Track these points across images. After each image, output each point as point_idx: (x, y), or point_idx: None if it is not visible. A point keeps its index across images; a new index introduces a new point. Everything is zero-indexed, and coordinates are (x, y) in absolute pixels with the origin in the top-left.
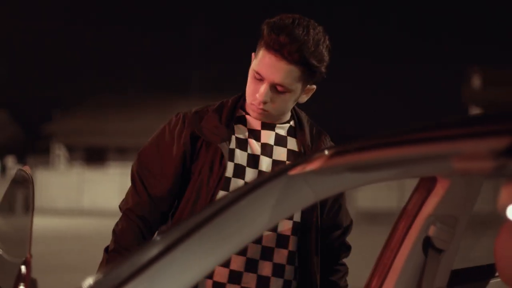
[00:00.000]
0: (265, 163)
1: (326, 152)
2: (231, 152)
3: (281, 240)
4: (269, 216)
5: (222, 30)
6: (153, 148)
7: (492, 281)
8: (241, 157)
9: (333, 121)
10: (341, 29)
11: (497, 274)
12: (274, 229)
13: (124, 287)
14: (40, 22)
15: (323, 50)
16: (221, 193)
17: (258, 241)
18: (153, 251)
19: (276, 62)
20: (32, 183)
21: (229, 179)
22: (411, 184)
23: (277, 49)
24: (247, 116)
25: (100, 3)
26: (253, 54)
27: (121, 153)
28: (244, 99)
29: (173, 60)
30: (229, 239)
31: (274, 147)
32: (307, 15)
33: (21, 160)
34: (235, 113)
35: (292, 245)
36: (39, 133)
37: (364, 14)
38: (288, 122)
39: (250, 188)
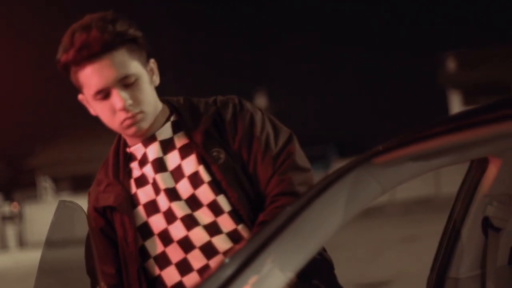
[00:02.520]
0: (165, 179)
1: (388, 145)
2: (134, 197)
3: (214, 210)
4: (342, 215)
5: None
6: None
7: None
8: (145, 194)
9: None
10: (313, 13)
11: None
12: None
13: None
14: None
15: (115, 17)
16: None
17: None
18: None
19: (98, 64)
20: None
21: (145, 223)
22: (446, 170)
23: (85, 55)
24: (130, 149)
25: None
26: (80, 96)
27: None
28: (121, 139)
29: None
30: (305, 243)
31: (164, 157)
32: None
33: (8, 196)
34: (120, 157)
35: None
36: (23, 168)
37: None
38: (167, 120)
39: (319, 190)
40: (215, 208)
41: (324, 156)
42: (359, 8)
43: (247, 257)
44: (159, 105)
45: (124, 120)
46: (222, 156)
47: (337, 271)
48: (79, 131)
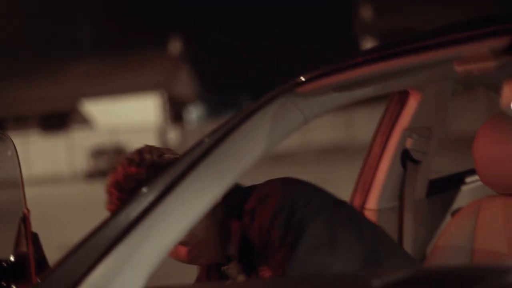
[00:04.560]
0: None
1: (312, 74)
2: None
3: None
4: (264, 144)
5: None
6: None
7: (464, 187)
8: None
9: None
10: None
11: (468, 180)
12: None
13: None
14: None
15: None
16: None
17: None
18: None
19: None
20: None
21: None
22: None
23: None
24: None
25: None
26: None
27: (18, 122)
28: None
29: (61, 21)
30: (226, 170)
31: None
32: None
33: None
34: None
35: None
36: None
37: None
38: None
39: (242, 119)
40: None
41: (238, 104)
42: None
43: (166, 186)
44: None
45: None
46: None
47: None
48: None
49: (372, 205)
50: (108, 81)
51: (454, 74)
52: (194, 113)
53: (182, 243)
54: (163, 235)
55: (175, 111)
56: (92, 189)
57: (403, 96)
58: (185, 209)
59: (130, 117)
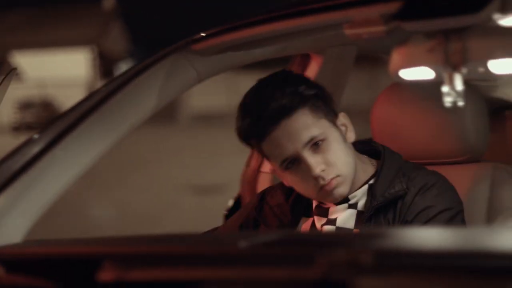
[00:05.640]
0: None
1: (207, 32)
2: None
3: None
4: (156, 99)
5: None
6: None
7: None
8: None
9: None
10: None
11: None
12: None
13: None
14: None
15: (287, 74)
16: None
17: None
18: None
19: (279, 131)
20: None
21: None
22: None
23: (262, 125)
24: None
25: None
26: (270, 167)
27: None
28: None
29: None
30: (117, 124)
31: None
32: None
33: None
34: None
35: None
36: None
37: None
38: (367, 181)
39: (135, 72)
40: None
41: None
42: None
43: (56, 135)
44: (359, 162)
45: (321, 188)
46: None
47: (169, 174)
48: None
49: (267, 168)
50: (38, 34)
51: (345, 38)
52: (124, 69)
53: None
54: (48, 185)
55: (105, 67)
56: (18, 142)
57: (304, 60)
58: (73, 160)
59: (60, 71)
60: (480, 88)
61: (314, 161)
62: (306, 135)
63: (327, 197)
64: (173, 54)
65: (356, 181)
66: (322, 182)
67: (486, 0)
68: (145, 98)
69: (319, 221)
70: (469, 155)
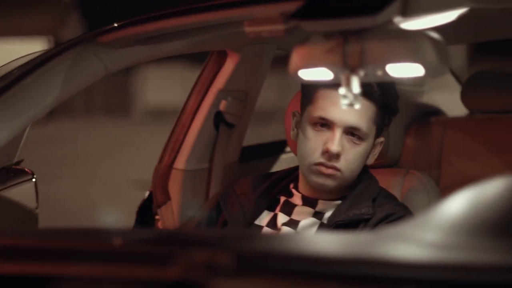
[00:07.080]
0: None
1: (115, 24)
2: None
3: None
4: (59, 91)
5: None
6: None
7: (283, 156)
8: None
9: None
10: None
11: (288, 150)
12: None
13: None
14: None
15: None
16: None
17: None
18: None
19: None
20: None
21: None
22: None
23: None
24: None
25: None
26: (294, 111)
27: None
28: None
29: None
30: (17, 115)
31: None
32: None
33: None
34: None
35: None
36: None
37: None
38: (341, 197)
39: (37, 64)
40: None
41: None
42: None
43: None
44: (359, 180)
45: (319, 163)
46: None
47: (114, 169)
48: None
49: (180, 165)
50: None
51: (245, 35)
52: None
53: None
54: None
55: None
56: None
57: (221, 56)
58: None
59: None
60: (406, 93)
61: (340, 142)
62: (356, 120)
63: (313, 176)
64: (77, 46)
65: (341, 191)
66: (326, 160)
67: (385, 2)
68: (48, 88)
69: (281, 219)
70: (382, 160)
